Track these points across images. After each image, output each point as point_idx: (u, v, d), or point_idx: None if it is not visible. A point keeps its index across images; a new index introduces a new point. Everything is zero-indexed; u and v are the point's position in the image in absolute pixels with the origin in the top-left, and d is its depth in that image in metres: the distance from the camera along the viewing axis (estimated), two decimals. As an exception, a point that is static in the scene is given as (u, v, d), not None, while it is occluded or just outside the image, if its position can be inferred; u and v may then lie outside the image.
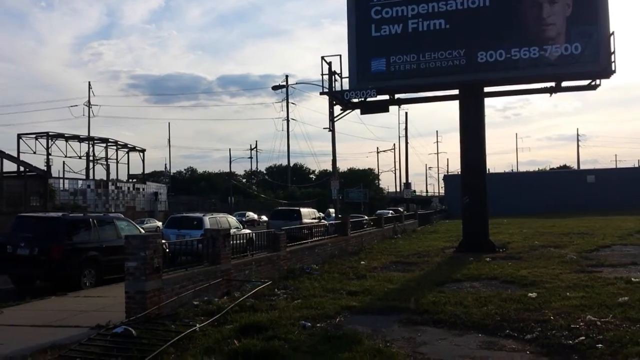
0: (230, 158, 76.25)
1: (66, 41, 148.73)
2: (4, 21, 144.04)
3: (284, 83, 72.65)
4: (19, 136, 53.62)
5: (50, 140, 54.82)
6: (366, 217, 31.77)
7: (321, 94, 23.36)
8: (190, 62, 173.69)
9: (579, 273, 12.78)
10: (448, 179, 73.01)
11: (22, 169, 47.97)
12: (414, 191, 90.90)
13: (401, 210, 49.09)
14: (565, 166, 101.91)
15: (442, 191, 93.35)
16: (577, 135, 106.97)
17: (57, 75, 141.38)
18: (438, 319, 8.40)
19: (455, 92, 20.36)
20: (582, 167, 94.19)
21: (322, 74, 21.88)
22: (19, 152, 51.63)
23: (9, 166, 47.44)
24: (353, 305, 9.51)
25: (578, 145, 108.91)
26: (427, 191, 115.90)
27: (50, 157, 54.83)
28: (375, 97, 20.12)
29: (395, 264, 16.08)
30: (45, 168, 51.80)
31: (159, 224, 47.48)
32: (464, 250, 18.49)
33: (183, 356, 6.38)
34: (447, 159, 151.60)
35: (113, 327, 7.35)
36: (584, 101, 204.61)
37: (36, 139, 54.40)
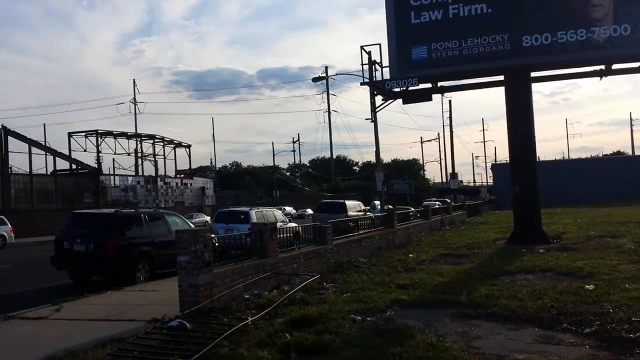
0: (273, 152, 77.18)
1: (109, 39, 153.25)
2: (50, 22, 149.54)
3: (324, 75, 72.65)
4: (70, 135, 55.33)
5: (99, 138, 56.45)
6: (412, 209, 31.44)
7: (362, 84, 23.15)
8: (230, 56, 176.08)
9: (637, 264, 12.28)
10: (496, 168, 71.47)
11: (74, 166, 49.68)
12: (461, 181, 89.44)
13: (448, 201, 48.34)
14: (619, 152, 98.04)
15: (490, 181, 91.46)
16: (630, 119, 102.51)
17: (102, 73, 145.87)
18: (491, 313, 8.22)
19: (500, 78, 19.85)
20: (637, 152, 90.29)
21: (362, 64, 21.68)
22: (70, 150, 53.27)
23: (62, 164, 49.26)
24: (403, 299, 9.42)
25: (632, 130, 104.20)
26: (474, 181, 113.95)
27: (100, 154, 56.51)
28: (417, 85, 19.84)
29: (444, 257, 15.85)
30: (96, 165, 53.43)
31: (207, 218, 48.43)
32: (516, 242, 18.04)
33: (237, 349, 6.47)
34: (495, 148, 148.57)
35: (168, 321, 7.52)
36: (636, 84, 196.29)
37: (86, 137, 56.05)
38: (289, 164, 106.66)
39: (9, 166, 42.55)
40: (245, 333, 7.17)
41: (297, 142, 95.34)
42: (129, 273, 13.02)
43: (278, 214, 22.40)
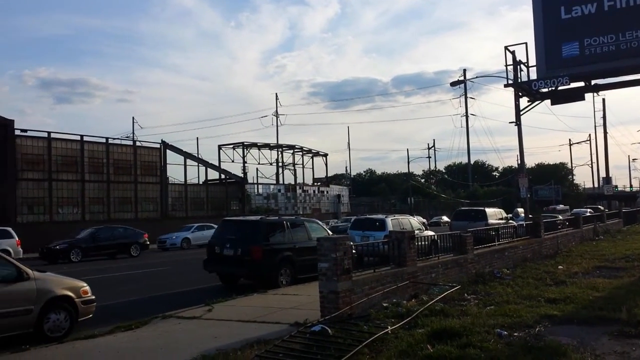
0: (408, 158, 76.24)
1: (254, 56, 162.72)
2: (202, 43, 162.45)
3: (461, 78, 70.58)
4: (219, 147, 60.01)
5: (245, 150, 60.32)
6: (560, 217, 29.27)
7: (506, 86, 22.09)
8: (366, 65, 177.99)
9: None
10: (657, 171, 64.12)
11: (223, 176, 53.65)
12: (616, 186, 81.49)
13: (601, 208, 44.31)
14: None
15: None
16: None
17: (248, 88, 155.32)
18: (657, 333, 7.35)
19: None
20: None
21: (506, 65, 20.72)
22: (219, 161, 57.78)
23: (212, 174, 53.49)
24: (553, 314, 8.77)
25: None
26: (631, 186, 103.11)
27: (245, 164, 60.37)
28: (568, 84, 18.56)
29: (599, 269, 14.53)
30: (242, 175, 57.13)
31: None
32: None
33: (377, 358, 6.46)
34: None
35: (310, 325, 7.73)
36: None
37: (233, 148, 60.34)
38: (423, 170, 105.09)
39: (167, 176, 46.96)
40: (386, 342, 7.13)
41: (433, 148, 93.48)
42: (272, 277, 13.63)
43: (414, 221, 22.11)
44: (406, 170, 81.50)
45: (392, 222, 19.79)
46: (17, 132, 36.06)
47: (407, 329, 7.86)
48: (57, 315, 8.82)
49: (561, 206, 50.56)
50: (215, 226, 30.59)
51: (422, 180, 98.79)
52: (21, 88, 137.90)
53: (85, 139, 40.53)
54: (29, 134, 37.30)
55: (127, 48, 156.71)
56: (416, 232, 15.71)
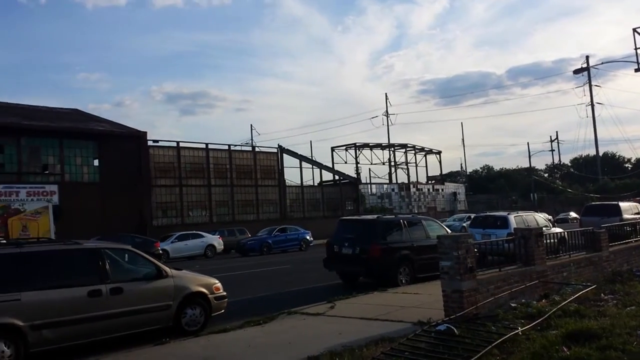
0: (529, 152, 72.64)
1: (362, 58, 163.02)
2: (311, 49, 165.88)
3: (584, 65, 65.63)
4: (332, 149, 61.37)
5: (357, 150, 60.96)
6: None
7: (636, 70, 20.28)
8: (477, 59, 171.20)
9: None
10: None
11: (336, 177, 54.62)
12: None
13: None
14: None
15: None
16: None
17: (357, 90, 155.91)
18: None
19: None
20: None
21: (636, 48, 19.05)
22: (333, 163, 59.08)
23: (326, 175, 54.64)
24: None
25: None
26: None
27: (358, 165, 60.99)
28: None
29: None
30: (355, 175, 57.75)
31: (465, 224, 47.90)
32: None
33: (509, 359, 6.22)
34: None
35: (435, 325, 7.62)
36: None
37: (346, 150, 61.32)
38: (546, 164, 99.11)
39: (284, 179, 48.67)
40: (516, 343, 6.84)
41: (556, 141, 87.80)
42: (391, 275, 13.61)
43: (540, 218, 20.96)
44: (526, 165, 77.68)
45: (516, 219, 18.95)
46: (150, 143, 39.28)
47: (539, 330, 7.48)
48: (193, 310, 9.47)
49: None
50: (205, 234, 32.38)
51: (545, 175, 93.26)
52: (150, 102, 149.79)
53: (209, 146, 43.23)
54: (160, 144, 40.53)
55: (243, 60, 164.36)
56: (543, 229, 14.92)
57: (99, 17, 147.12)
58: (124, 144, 36.94)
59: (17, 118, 34.78)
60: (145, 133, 38.86)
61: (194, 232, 32.44)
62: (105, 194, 34.78)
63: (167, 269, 9.47)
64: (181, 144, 41.60)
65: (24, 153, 33.28)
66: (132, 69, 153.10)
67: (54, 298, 7.86)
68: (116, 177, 35.59)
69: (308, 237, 34.53)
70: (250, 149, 49.49)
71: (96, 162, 36.07)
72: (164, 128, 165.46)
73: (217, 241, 32.17)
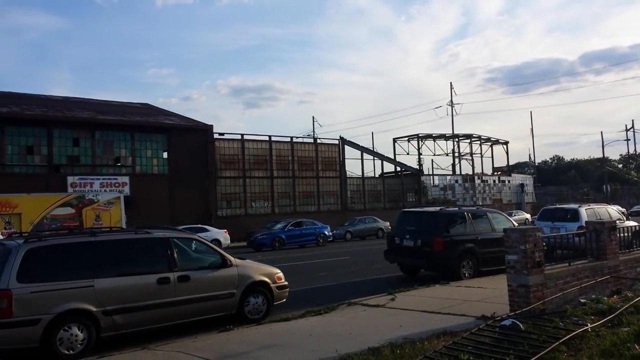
0: (602, 142, 68.82)
1: (426, 47, 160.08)
2: (375, 40, 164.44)
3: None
4: (394, 140, 60.79)
5: (420, 141, 60.07)
6: None
7: None
8: (548, 45, 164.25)
9: None
10: None
11: (398, 169, 54.07)
12: None
13: None
14: None
15: None
16: None
17: (421, 80, 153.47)
18: None
19: None
20: None
21: None
22: (394, 154, 58.52)
23: (388, 167, 54.23)
24: None
25: None
26: None
27: (421, 156, 60.13)
28: None
29: None
30: (417, 167, 56.97)
31: (528, 215, 46.35)
32: None
33: (577, 356, 5.99)
34: None
35: (499, 319, 7.43)
36: None
37: (408, 141, 60.56)
38: (620, 155, 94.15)
39: (345, 170, 48.72)
40: (585, 340, 6.58)
41: (631, 130, 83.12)
42: (454, 269, 13.37)
43: (613, 211, 19.95)
44: (600, 156, 73.78)
45: (587, 212, 18.13)
46: (215, 136, 40.35)
47: (609, 327, 7.16)
48: (255, 299, 9.68)
49: None
50: (210, 228, 30.87)
51: (619, 166, 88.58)
52: (216, 96, 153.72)
53: (272, 138, 43.92)
54: (225, 137, 41.55)
55: (307, 52, 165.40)
56: (616, 222, 14.22)
57: (168, 14, 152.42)
58: (191, 137, 38.16)
59: (92, 113, 36.66)
60: (211, 126, 39.96)
61: (200, 225, 30.87)
62: (174, 185, 36.13)
63: (231, 258, 9.71)
64: (245, 137, 42.48)
65: (98, 146, 35.04)
66: (199, 64, 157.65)
67: (125, 285, 8.23)
68: (184, 169, 36.86)
69: (327, 232, 32.58)
70: (312, 140, 49.82)
71: (165, 155, 37.49)
72: (229, 121, 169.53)
73: (223, 236, 30.90)
